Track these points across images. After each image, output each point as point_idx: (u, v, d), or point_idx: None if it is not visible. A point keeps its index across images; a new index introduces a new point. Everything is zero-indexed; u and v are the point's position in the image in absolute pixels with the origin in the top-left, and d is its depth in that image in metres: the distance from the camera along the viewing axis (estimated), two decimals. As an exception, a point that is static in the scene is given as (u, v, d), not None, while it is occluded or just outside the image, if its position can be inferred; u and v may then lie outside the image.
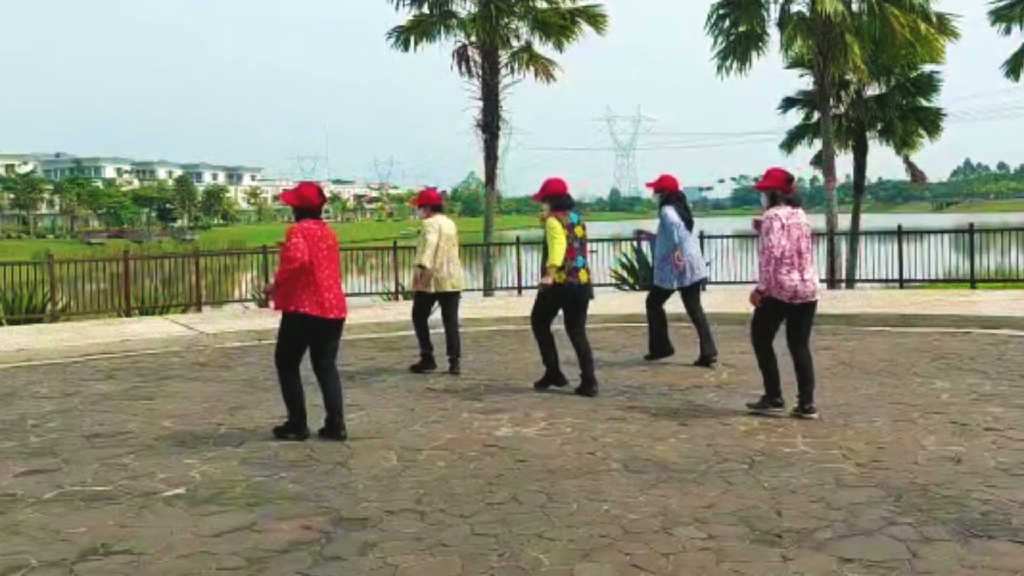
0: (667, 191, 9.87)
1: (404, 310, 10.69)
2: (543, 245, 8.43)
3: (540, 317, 8.52)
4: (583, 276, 8.34)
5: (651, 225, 10.43)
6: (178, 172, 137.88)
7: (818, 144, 25.51)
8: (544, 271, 8.35)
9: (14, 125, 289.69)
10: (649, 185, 10.14)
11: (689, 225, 9.81)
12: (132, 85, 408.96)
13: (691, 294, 9.88)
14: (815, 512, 4.97)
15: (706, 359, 9.62)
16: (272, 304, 7.10)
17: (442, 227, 9.63)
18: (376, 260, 20.24)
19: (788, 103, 26.81)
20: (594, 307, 10.08)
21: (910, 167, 27.61)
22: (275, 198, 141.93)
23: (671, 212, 9.72)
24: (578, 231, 8.36)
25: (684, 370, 9.34)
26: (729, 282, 17.08)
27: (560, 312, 8.50)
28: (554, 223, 8.23)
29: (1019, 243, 18.15)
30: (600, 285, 18.34)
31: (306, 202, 6.93)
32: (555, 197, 8.42)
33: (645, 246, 16.79)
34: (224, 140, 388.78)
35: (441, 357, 9.67)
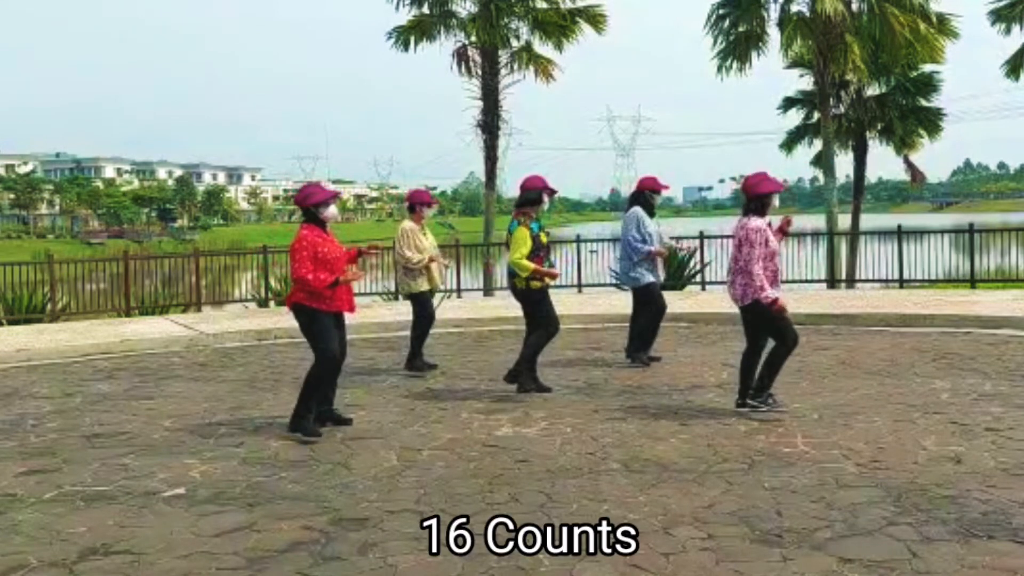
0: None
1: (404, 310, 10.68)
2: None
3: None
4: None
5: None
6: (178, 172, 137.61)
7: (818, 144, 25.54)
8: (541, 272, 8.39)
9: (14, 125, 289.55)
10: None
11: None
12: (132, 85, 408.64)
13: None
14: (815, 512, 4.97)
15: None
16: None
17: None
18: (376, 260, 20.19)
19: (788, 103, 26.85)
20: (595, 307, 10.13)
21: (910, 167, 27.62)
22: (275, 198, 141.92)
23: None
24: (543, 238, 8.43)
25: (684, 370, 9.34)
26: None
27: (523, 314, 8.58)
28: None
29: (1019, 243, 18.15)
30: (600, 285, 18.43)
31: None
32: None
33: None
34: (224, 140, 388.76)
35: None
